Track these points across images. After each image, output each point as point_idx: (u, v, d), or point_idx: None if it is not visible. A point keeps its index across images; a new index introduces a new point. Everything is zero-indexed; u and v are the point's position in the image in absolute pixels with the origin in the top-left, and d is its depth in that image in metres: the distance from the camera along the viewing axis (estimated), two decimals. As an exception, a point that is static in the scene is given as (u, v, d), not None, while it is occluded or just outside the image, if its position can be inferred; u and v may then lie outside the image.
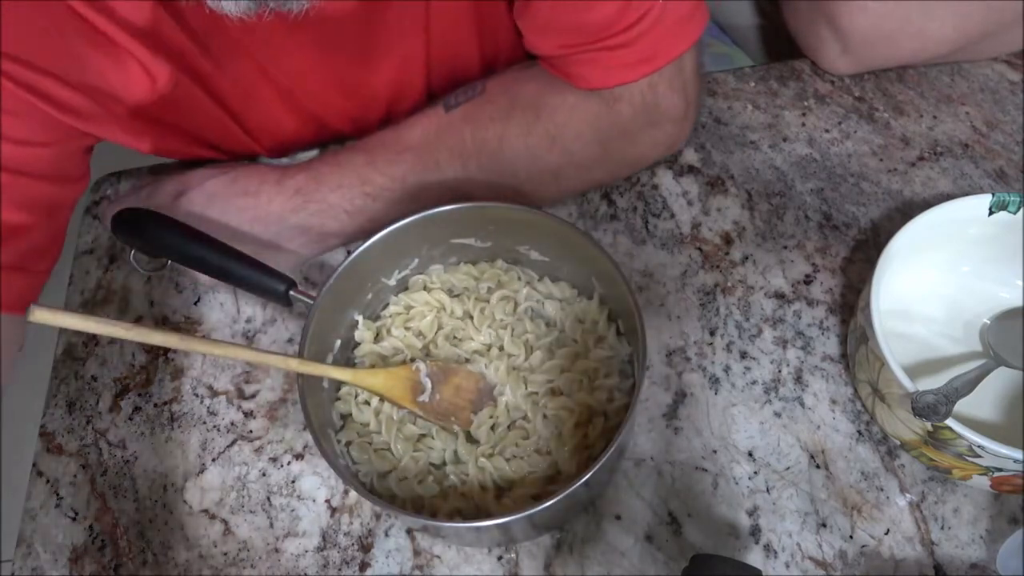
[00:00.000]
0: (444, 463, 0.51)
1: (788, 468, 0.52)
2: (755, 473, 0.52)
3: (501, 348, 0.53)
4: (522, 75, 0.58)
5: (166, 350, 0.60)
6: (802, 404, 0.54)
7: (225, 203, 0.56)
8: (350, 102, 0.62)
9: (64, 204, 0.53)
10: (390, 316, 0.55)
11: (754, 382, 0.55)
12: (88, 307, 0.63)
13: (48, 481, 0.56)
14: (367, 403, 0.52)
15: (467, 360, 0.54)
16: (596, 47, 0.53)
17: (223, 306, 0.61)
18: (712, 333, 0.57)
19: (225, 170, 0.58)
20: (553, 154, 0.57)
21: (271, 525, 0.53)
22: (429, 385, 0.51)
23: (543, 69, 0.58)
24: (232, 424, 0.57)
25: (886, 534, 0.49)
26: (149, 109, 0.53)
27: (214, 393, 0.58)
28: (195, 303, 0.62)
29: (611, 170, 0.61)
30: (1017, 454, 0.43)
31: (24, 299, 0.49)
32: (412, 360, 0.53)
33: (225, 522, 0.53)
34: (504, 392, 0.52)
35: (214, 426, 0.57)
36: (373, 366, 0.53)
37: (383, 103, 0.64)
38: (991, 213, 0.51)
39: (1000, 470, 0.45)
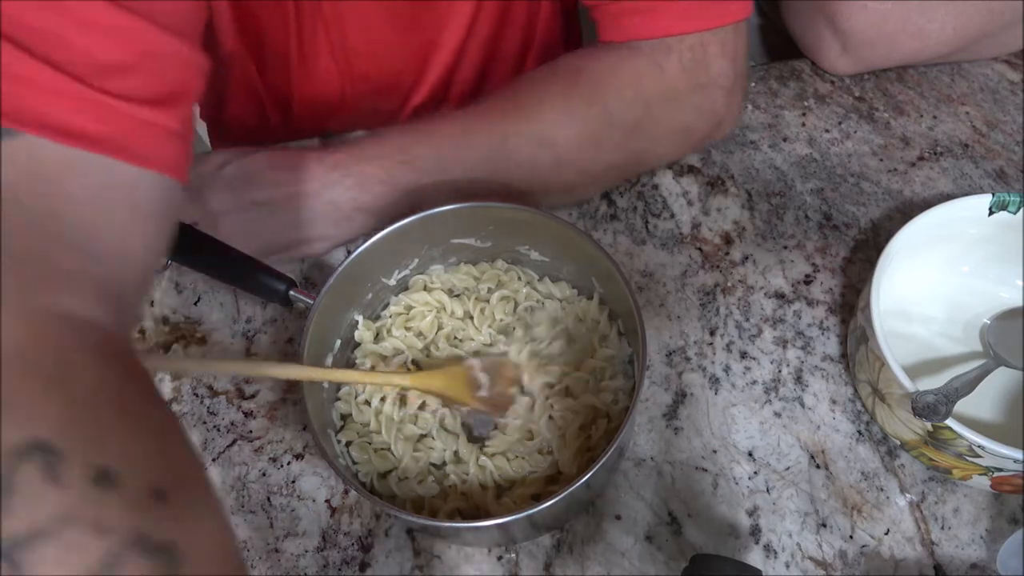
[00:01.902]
0: (444, 463, 0.51)
1: (788, 468, 0.52)
2: (755, 473, 0.52)
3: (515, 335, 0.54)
4: (561, 58, 0.58)
5: (166, 349, 0.60)
6: (802, 404, 0.54)
7: (263, 176, 0.56)
8: (400, 55, 0.67)
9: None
10: (390, 316, 0.55)
11: (754, 382, 0.55)
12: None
13: (48, 481, 0.56)
14: (367, 403, 0.52)
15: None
16: None
17: (223, 306, 0.61)
18: (712, 333, 0.57)
19: (267, 148, 0.59)
20: (594, 110, 0.55)
21: (271, 525, 0.53)
22: (485, 380, 0.51)
23: (581, 52, 0.58)
24: (232, 424, 0.57)
25: (886, 534, 0.49)
26: None
27: (214, 393, 0.58)
28: (195, 303, 0.62)
29: (655, 140, 0.59)
30: (1017, 454, 0.43)
31: (180, 165, 0.41)
32: (462, 358, 0.53)
33: (225, 522, 0.53)
34: (525, 379, 0.52)
35: (214, 426, 0.57)
36: (373, 367, 0.53)
37: (419, 66, 0.68)
38: (991, 213, 0.51)
39: (1000, 470, 0.45)
